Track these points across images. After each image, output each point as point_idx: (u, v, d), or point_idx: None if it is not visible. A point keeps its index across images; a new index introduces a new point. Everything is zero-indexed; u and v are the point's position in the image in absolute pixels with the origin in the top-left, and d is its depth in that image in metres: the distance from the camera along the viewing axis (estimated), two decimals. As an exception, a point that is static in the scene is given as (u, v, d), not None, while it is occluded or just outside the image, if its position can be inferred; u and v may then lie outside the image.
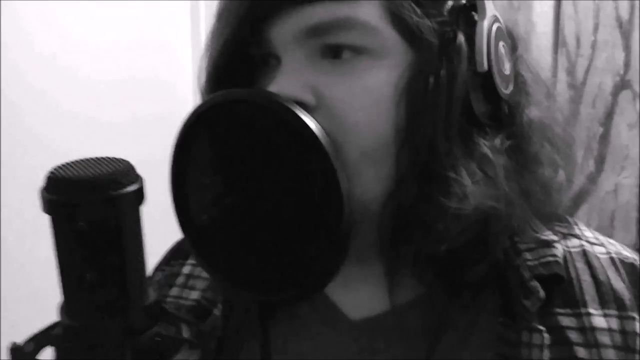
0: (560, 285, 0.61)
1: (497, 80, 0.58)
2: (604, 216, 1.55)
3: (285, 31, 0.57)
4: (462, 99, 0.58)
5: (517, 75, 0.63)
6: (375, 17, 0.57)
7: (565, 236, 0.65)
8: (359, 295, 0.66)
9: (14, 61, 1.39)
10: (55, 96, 1.49)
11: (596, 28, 1.51)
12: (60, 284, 0.47)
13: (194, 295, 0.71)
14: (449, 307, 0.62)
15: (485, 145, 0.58)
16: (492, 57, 0.58)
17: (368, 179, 0.57)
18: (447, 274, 0.61)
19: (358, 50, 0.57)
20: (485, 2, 0.59)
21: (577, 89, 1.53)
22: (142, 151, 1.64)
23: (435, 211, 0.56)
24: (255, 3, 0.58)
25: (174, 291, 0.72)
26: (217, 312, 0.68)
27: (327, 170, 0.53)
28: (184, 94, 1.78)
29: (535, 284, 0.60)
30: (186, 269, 0.74)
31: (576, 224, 0.67)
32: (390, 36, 0.57)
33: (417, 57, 0.58)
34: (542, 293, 0.59)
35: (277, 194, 0.55)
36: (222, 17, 0.61)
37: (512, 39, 0.64)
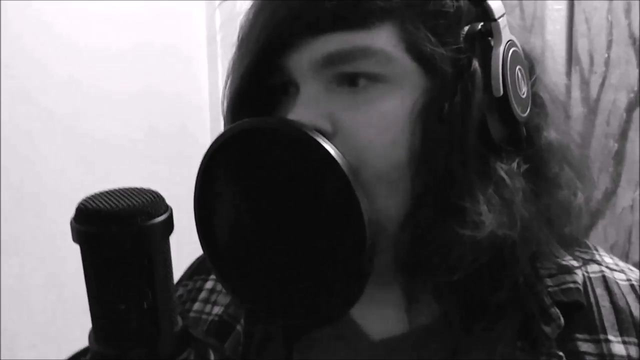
0: (579, 312, 0.61)
1: (514, 104, 0.59)
2: (621, 232, 1.54)
3: (302, 60, 0.59)
4: (477, 124, 0.58)
5: (535, 98, 0.63)
6: (390, 45, 0.58)
7: (585, 262, 0.65)
8: (379, 315, 0.66)
9: (18, 33, 1.39)
10: (60, 67, 1.48)
11: (609, 45, 1.51)
12: (90, 311, 0.47)
13: (217, 310, 0.72)
14: (468, 330, 0.62)
15: (502, 169, 0.58)
16: (508, 81, 0.58)
17: (384, 203, 0.58)
18: (466, 298, 0.61)
19: (374, 78, 0.58)
20: (501, 27, 0.59)
21: (591, 106, 1.53)
22: (153, 123, 1.66)
23: (450, 239, 0.57)
24: (273, 33, 0.59)
25: (197, 306, 0.74)
26: (239, 328, 0.69)
27: (349, 196, 0.53)
28: (197, 62, 1.78)
29: (555, 310, 0.60)
30: (209, 284, 0.75)
31: (596, 250, 0.67)
32: (405, 63, 0.58)
33: (432, 84, 0.59)
34: (562, 320, 0.60)
35: (299, 219, 0.56)
36: (243, 45, 0.63)
37: (529, 62, 0.64)
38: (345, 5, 0.57)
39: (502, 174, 0.58)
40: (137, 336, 0.46)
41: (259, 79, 0.62)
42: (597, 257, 0.66)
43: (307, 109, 0.58)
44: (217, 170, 0.59)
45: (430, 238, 0.58)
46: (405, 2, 0.58)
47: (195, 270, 0.79)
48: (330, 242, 0.55)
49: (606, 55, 1.52)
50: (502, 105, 0.58)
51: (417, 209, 0.59)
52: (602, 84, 1.53)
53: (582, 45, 1.53)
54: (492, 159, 0.59)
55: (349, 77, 0.59)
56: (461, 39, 0.59)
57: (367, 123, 0.58)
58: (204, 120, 1.82)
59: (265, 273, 0.59)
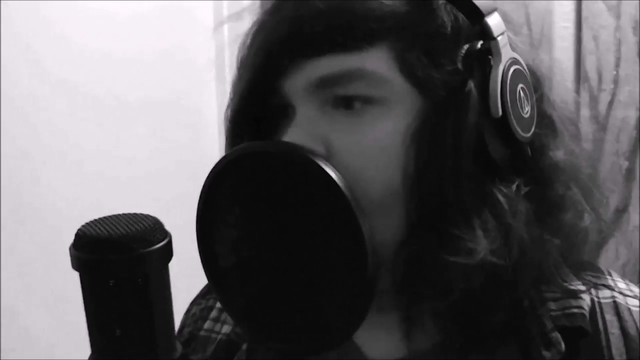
0: (584, 338, 0.60)
1: (514, 124, 0.57)
2: (631, 251, 1.53)
3: (297, 83, 0.59)
4: (475, 146, 0.57)
5: (541, 116, 0.62)
6: (384, 67, 0.58)
7: (596, 286, 0.63)
8: (379, 339, 0.66)
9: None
10: (65, 29, 1.47)
11: (618, 62, 1.50)
12: (89, 336, 0.47)
13: (225, 329, 0.72)
14: (467, 354, 0.61)
15: (500, 192, 0.57)
16: (508, 101, 0.57)
17: (378, 227, 0.56)
18: (464, 322, 0.60)
19: (368, 101, 0.58)
20: (501, 45, 0.58)
21: (600, 123, 1.52)
22: (158, 86, 1.66)
23: (441, 266, 0.56)
24: (267, 56, 0.60)
25: (207, 325, 0.74)
26: (245, 347, 0.69)
27: (351, 220, 0.53)
28: (202, 23, 1.75)
29: (556, 335, 0.59)
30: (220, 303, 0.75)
31: (610, 275, 0.66)
32: (399, 85, 0.58)
33: (427, 105, 0.58)
34: (562, 346, 0.58)
35: (300, 242, 0.56)
36: (241, 66, 0.64)
37: (535, 79, 0.63)
38: (338, 28, 0.57)
39: (500, 197, 0.57)
40: (135, 363, 0.46)
41: (258, 101, 0.62)
42: (610, 282, 0.65)
43: (301, 131, 0.58)
44: (218, 195, 0.59)
45: (421, 265, 0.57)
46: (398, 24, 0.58)
47: (210, 289, 0.79)
48: (332, 266, 0.55)
49: (615, 72, 1.51)
50: (502, 125, 0.57)
51: (410, 235, 0.58)
52: (611, 102, 1.52)
53: (590, 62, 1.52)
54: (489, 181, 0.58)
55: (343, 99, 0.58)
56: (459, 58, 0.58)
57: (360, 146, 0.58)
58: (209, 82, 1.81)
59: (267, 298, 0.58)
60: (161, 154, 1.68)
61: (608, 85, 1.52)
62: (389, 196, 0.58)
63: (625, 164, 1.52)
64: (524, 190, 0.58)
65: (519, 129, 0.58)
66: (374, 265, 0.53)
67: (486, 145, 0.57)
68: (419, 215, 0.57)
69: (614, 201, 1.52)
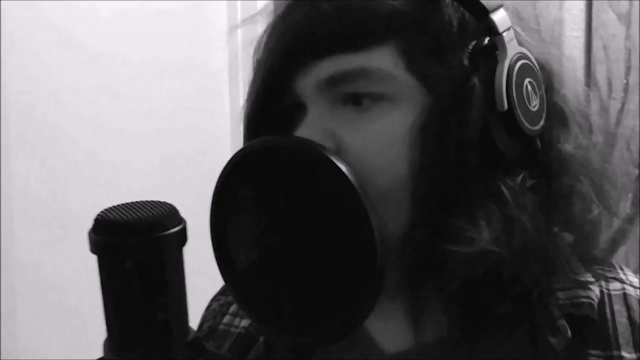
0: (593, 327, 0.61)
1: (521, 118, 0.58)
2: (642, 259, 1.53)
3: (307, 83, 0.61)
4: (481, 140, 0.58)
5: (551, 110, 0.63)
6: (390, 64, 0.60)
7: (607, 279, 0.64)
8: (390, 329, 0.67)
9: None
10: None
11: (628, 71, 1.51)
12: (105, 320, 0.49)
13: (244, 323, 0.74)
14: (477, 344, 0.62)
15: (506, 184, 0.58)
16: (514, 95, 0.58)
17: (386, 217, 0.58)
18: (470, 311, 0.61)
19: (376, 97, 0.60)
20: (506, 40, 0.59)
21: (610, 132, 1.53)
22: (170, 48, 1.67)
23: (443, 256, 0.57)
24: (280, 57, 0.62)
25: (226, 319, 0.76)
26: (262, 339, 0.70)
27: (360, 212, 0.54)
28: None
29: (562, 322, 0.60)
30: None
31: (622, 269, 0.67)
32: (406, 82, 0.60)
33: (433, 101, 0.60)
34: (569, 333, 0.59)
35: (312, 236, 0.57)
36: (256, 68, 0.66)
37: (545, 73, 0.63)
38: (345, 30, 0.59)
39: (504, 189, 0.58)
40: (150, 344, 0.48)
41: (272, 100, 0.64)
42: (621, 276, 0.66)
43: (312, 128, 0.60)
44: (231, 189, 0.60)
45: (425, 255, 0.59)
46: (404, 22, 0.60)
47: None
48: (343, 257, 0.56)
49: (625, 81, 1.52)
50: (509, 119, 0.58)
51: (415, 226, 0.59)
52: (622, 110, 1.52)
53: (600, 71, 1.53)
54: (495, 174, 0.59)
55: (352, 97, 0.61)
56: (466, 54, 0.60)
57: (368, 141, 0.60)
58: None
59: (281, 291, 0.60)
60: (170, 117, 1.69)
61: (618, 94, 1.52)
62: (396, 189, 0.59)
63: (635, 171, 1.53)
64: (530, 182, 0.59)
65: (526, 123, 0.59)
66: (383, 256, 0.54)
67: (493, 139, 0.58)
68: (425, 207, 0.59)
69: (623, 209, 1.52)
